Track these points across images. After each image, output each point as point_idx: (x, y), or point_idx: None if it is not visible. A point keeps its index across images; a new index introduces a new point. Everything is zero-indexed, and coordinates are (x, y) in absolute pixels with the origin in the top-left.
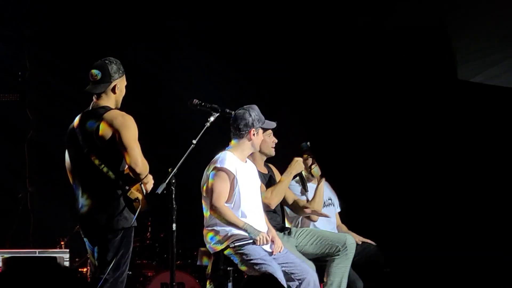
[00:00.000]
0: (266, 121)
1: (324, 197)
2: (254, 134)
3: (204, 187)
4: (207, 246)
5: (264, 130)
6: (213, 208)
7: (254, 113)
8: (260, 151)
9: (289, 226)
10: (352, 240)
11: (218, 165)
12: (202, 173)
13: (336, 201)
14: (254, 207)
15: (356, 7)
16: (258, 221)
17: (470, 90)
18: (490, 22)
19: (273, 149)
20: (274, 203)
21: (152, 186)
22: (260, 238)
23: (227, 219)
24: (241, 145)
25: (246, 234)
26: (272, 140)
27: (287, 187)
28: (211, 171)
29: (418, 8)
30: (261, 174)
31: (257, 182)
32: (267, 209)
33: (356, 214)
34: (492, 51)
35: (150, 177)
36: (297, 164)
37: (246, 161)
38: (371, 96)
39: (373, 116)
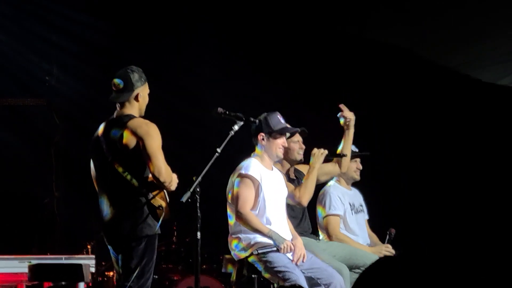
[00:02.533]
0: (283, 127)
1: (356, 203)
2: (263, 139)
3: (230, 195)
4: (232, 253)
5: (278, 136)
6: (238, 214)
7: (267, 118)
8: (285, 158)
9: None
10: None
11: (243, 172)
12: (227, 181)
13: (365, 208)
14: (278, 215)
15: None
16: (283, 229)
17: (496, 92)
18: None
19: (300, 155)
20: (305, 200)
21: (176, 185)
22: (284, 246)
23: (253, 226)
24: (261, 152)
25: (270, 241)
26: (299, 147)
27: (315, 181)
28: (236, 178)
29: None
30: (290, 179)
31: (283, 190)
32: (294, 216)
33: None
34: None
35: (173, 175)
36: (319, 156)
37: (272, 169)
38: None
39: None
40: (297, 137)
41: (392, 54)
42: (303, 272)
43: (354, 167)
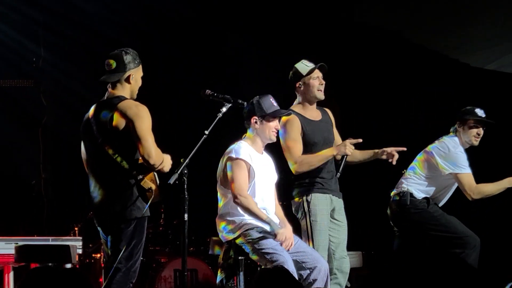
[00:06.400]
0: (276, 110)
1: None
2: (256, 122)
3: (220, 177)
4: (220, 235)
5: (271, 119)
6: (237, 198)
7: (260, 101)
8: (305, 99)
9: None
10: None
11: (233, 155)
12: (214, 163)
13: None
14: (267, 199)
15: None
16: (271, 214)
17: (483, 77)
18: (504, 9)
19: (320, 92)
20: (299, 171)
21: (170, 166)
22: (281, 233)
23: (251, 209)
24: (253, 136)
25: (258, 223)
26: (318, 83)
27: (322, 161)
28: (227, 161)
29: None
30: (309, 122)
31: (272, 175)
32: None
33: None
34: (506, 38)
35: (167, 157)
36: (345, 147)
37: (262, 153)
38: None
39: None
40: (317, 73)
41: (381, 38)
42: None
43: (474, 132)
